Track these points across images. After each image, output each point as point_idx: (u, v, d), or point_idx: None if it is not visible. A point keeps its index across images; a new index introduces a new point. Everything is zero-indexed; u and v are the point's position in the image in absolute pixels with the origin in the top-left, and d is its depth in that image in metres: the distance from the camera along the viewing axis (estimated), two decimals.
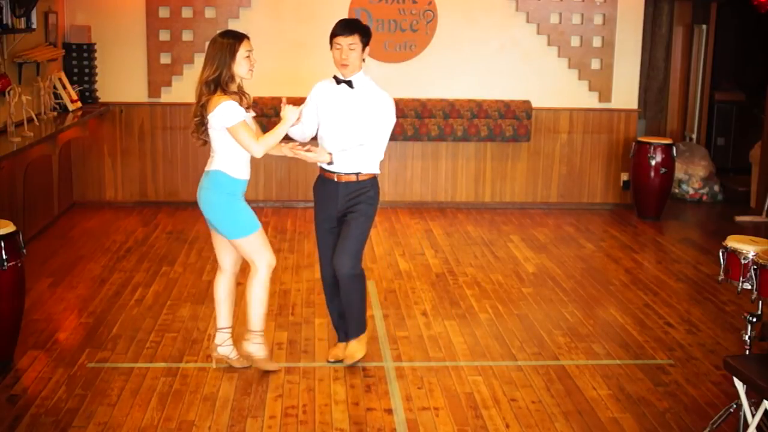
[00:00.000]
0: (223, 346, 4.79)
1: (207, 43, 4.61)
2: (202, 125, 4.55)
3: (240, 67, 4.49)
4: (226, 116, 4.41)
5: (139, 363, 4.84)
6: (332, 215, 4.79)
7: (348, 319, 4.85)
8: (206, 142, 4.63)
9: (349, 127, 4.73)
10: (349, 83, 4.75)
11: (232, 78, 4.50)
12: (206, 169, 4.63)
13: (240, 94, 4.56)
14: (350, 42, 4.69)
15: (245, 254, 4.69)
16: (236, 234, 4.64)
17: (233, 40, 4.48)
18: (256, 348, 4.71)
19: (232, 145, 4.51)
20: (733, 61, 10.84)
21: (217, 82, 4.45)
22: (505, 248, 7.38)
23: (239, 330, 4.99)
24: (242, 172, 4.62)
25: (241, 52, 4.47)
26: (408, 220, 8.23)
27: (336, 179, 4.74)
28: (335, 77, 4.83)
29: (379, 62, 8.32)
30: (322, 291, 5.06)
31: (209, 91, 4.45)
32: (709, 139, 10.61)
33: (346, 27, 4.73)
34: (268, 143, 4.51)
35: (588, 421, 4.28)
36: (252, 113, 4.66)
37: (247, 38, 4.54)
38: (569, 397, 4.55)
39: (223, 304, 4.83)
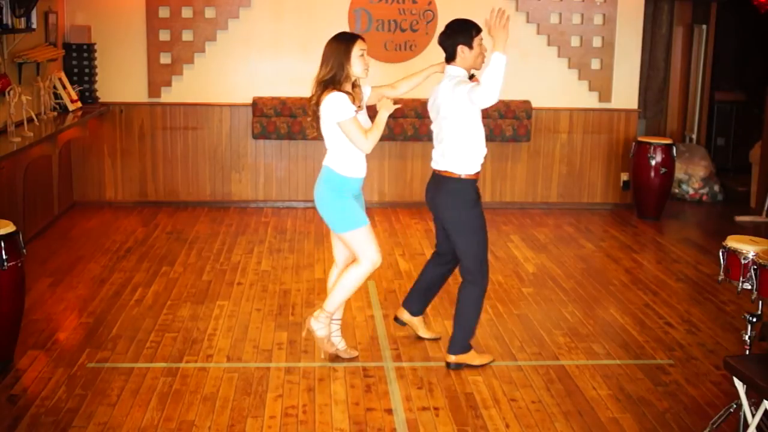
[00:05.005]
0: (320, 330, 4.80)
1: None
2: (316, 121, 4.65)
3: (355, 66, 4.58)
4: (336, 110, 4.50)
5: (139, 363, 4.85)
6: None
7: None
8: (319, 136, 4.72)
9: None
10: (472, 77, 4.81)
11: (347, 77, 4.58)
12: (323, 164, 4.73)
13: (353, 93, 4.60)
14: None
15: (351, 248, 4.74)
16: (342, 228, 4.69)
17: (347, 41, 4.60)
18: (319, 327, 4.76)
19: (341, 141, 4.60)
20: (733, 61, 10.83)
21: (332, 82, 4.55)
22: (505, 248, 7.38)
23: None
24: (351, 169, 4.66)
25: (355, 51, 4.57)
26: (408, 220, 8.23)
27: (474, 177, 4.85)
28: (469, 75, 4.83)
29: (379, 62, 8.31)
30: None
31: (322, 88, 4.56)
32: (709, 139, 10.61)
33: (477, 24, 4.86)
34: (375, 137, 4.59)
35: (588, 421, 4.28)
36: (364, 112, 4.72)
37: (361, 38, 4.65)
38: (569, 397, 4.55)
39: (340, 290, 4.83)
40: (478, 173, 4.84)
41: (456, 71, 4.78)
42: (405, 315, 5.24)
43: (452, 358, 4.85)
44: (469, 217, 4.78)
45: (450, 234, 4.86)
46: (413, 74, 5.11)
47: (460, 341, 4.86)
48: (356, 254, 4.72)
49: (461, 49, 4.76)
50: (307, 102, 4.69)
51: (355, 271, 4.70)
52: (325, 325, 4.77)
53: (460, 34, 4.78)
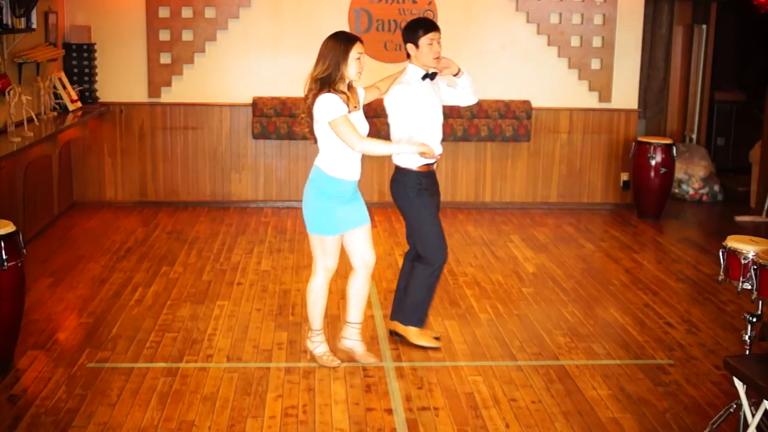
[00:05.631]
0: (350, 339, 4.90)
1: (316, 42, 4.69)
2: (310, 118, 4.63)
3: (350, 68, 4.56)
4: (327, 110, 4.49)
5: (139, 363, 4.85)
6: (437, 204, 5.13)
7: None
8: (317, 140, 4.70)
9: (437, 115, 5.03)
10: (433, 75, 4.90)
11: (341, 78, 4.56)
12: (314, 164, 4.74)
13: (347, 94, 4.60)
14: (439, 37, 4.91)
15: (312, 249, 4.80)
16: (312, 227, 4.73)
17: (346, 42, 4.57)
18: (313, 346, 4.89)
19: (333, 142, 4.58)
20: (733, 61, 10.83)
21: (327, 81, 4.53)
22: (505, 248, 7.38)
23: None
24: (341, 171, 4.64)
25: (353, 53, 4.55)
26: None
27: (435, 169, 5.05)
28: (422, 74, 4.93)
29: (380, 62, 8.31)
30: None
31: (317, 88, 4.54)
32: (709, 139, 10.61)
33: (433, 23, 4.97)
34: (372, 146, 4.63)
35: (588, 421, 4.28)
36: (360, 113, 4.73)
37: (360, 41, 4.63)
38: (569, 397, 4.55)
39: (351, 300, 4.91)
40: (423, 166, 4.97)
41: (412, 69, 4.96)
42: (399, 326, 5.22)
43: (394, 325, 5.17)
44: (414, 205, 5.03)
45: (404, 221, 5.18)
46: (393, 74, 5.11)
47: (406, 313, 5.12)
48: (313, 257, 4.80)
49: (409, 48, 4.95)
50: (303, 99, 4.67)
51: (311, 283, 4.82)
52: (316, 342, 4.87)
53: (407, 32, 4.96)
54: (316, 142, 4.71)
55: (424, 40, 4.87)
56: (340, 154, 4.60)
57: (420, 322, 5.14)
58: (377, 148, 4.69)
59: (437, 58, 4.90)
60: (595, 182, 9.01)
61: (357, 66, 4.57)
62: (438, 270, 5.09)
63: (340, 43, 4.56)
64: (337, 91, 4.52)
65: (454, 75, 5.03)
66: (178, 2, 8.34)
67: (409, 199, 5.03)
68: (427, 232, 5.06)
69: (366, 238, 4.78)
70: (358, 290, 4.87)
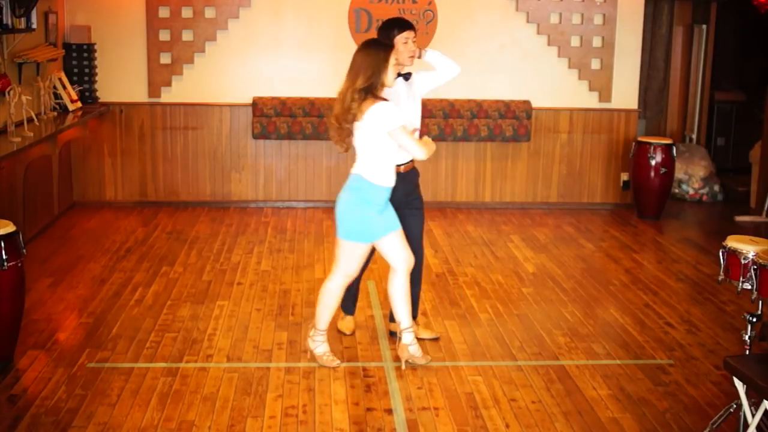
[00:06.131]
0: (412, 345, 4.86)
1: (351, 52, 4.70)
2: (344, 131, 4.60)
3: (389, 75, 4.57)
4: (387, 119, 4.50)
5: (139, 363, 4.85)
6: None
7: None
8: (347, 149, 4.69)
9: (416, 115, 5.06)
10: (407, 75, 4.91)
11: (382, 85, 4.57)
12: (351, 172, 4.70)
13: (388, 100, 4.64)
14: (414, 36, 4.93)
15: (338, 253, 4.78)
16: (345, 234, 4.72)
17: (386, 50, 4.58)
18: (315, 345, 4.90)
19: (378, 150, 4.58)
20: (733, 61, 10.83)
21: (369, 90, 4.53)
22: (505, 248, 7.38)
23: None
24: (382, 178, 4.65)
25: (391, 61, 4.57)
26: None
27: (401, 170, 4.94)
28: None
29: None
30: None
31: (360, 98, 4.52)
32: (709, 139, 10.60)
33: (409, 23, 4.97)
34: (428, 149, 4.65)
35: (588, 421, 4.28)
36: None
37: (393, 47, 4.68)
38: (569, 397, 4.55)
39: (407, 301, 4.87)
40: (399, 166, 4.97)
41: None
42: (392, 325, 5.23)
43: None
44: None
45: None
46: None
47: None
48: (337, 261, 4.79)
49: None
50: (337, 116, 4.58)
51: (327, 284, 4.84)
52: (321, 342, 4.88)
53: (382, 32, 4.98)
54: (345, 150, 4.70)
55: (399, 39, 4.88)
56: (383, 162, 4.62)
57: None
58: (431, 147, 4.70)
59: (412, 57, 4.93)
60: (595, 182, 9.01)
61: (393, 72, 4.59)
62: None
63: (381, 52, 4.55)
64: (380, 99, 4.53)
65: (418, 57, 5.02)
66: (178, 2, 8.34)
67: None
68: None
69: (402, 241, 4.79)
70: (407, 290, 4.84)
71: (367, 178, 4.62)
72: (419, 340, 5.13)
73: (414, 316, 5.07)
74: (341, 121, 4.58)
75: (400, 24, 4.95)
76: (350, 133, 4.62)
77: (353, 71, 4.54)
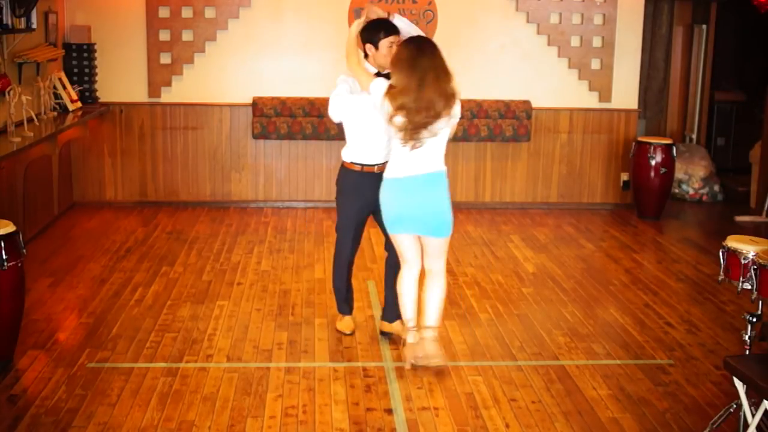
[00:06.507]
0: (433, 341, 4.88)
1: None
2: (428, 130, 4.59)
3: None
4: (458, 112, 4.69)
5: (139, 363, 4.85)
6: (367, 207, 5.07)
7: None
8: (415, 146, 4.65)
9: None
10: (387, 75, 4.90)
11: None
12: (427, 171, 4.66)
13: None
14: (399, 41, 4.94)
15: (441, 250, 4.81)
16: (450, 229, 4.78)
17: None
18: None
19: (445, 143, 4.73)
20: (733, 61, 10.83)
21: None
22: (505, 248, 7.38)
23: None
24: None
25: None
26: None
27: (377, 170, 4.98)
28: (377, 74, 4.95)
29: None
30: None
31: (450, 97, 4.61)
32: (709, 139, 10.60)
33: (395, 27, 4.98)
34: None
35: (588, 421, 4.28)
36: None
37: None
38: (569, 397, 4.55)
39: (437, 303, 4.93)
40: (364, 166, 5.03)
41: (368, 68, 4.99)
42: (385, 326, 5.28)
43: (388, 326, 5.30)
44: (338, 199, 5.20)
45: None
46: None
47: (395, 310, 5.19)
48: (444, 260, 4.84)
49: (368, 47, 4.98)
50: (431, 117, 4.54)
51: (444, 285, 4.86)
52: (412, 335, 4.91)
53: (368, 32, 4.98)
54: (414, 147, 4.61)
55: (384, 42, 4.91)
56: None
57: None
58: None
59: None
60: (595, 182, 9.01)
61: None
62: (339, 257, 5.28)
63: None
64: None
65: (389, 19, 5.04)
66: (178, 2, 8.34)
67: (338, 193, 5.21)
68: (342, 225, 5.21)
69: None
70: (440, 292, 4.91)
71: (446, 172, 4.76)
72: (382, 333, 5.19)
73: (399, 316, 5.10)
74: (433, 121, 4.56)
75: (387, 27, 4.94)
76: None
77: (445, 72, 4.58)
